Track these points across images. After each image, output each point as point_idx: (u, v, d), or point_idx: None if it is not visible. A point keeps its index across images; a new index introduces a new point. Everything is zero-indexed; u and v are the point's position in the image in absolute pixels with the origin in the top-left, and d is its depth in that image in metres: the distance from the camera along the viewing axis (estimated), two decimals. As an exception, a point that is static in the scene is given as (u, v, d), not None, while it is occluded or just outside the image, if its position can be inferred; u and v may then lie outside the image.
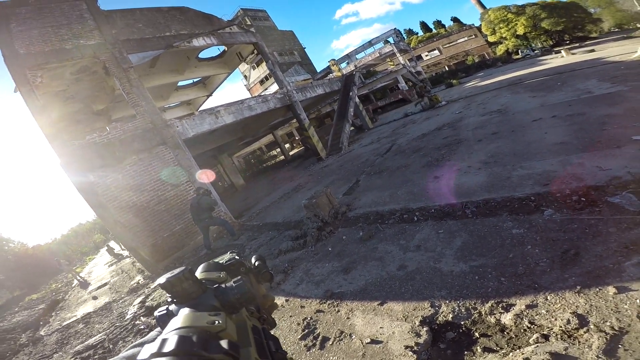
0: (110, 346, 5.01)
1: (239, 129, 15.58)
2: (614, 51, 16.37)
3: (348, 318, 2.86)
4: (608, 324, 1.76)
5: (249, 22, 38.79)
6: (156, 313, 0.58)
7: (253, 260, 0.86)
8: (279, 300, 3.75)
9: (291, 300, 3.66)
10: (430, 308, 2.53)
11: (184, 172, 9.18)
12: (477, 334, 2.12)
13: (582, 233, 2.60)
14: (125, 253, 17.46)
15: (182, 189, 9.16)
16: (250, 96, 37.33)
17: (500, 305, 2.24)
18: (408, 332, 2.37)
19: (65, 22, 8.35)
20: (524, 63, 28.26)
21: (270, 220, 8.15)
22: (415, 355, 2.12)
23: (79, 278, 15.11)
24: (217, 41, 11.60)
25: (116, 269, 13.70)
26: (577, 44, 35.58)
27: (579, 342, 1.74)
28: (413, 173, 6.42)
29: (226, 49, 14.90)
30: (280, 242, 5.90)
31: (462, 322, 2.25)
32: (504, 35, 44.81)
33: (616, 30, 47.46)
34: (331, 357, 2.46)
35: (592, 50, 20.62)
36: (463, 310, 2.36)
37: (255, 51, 13.98)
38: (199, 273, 0.68)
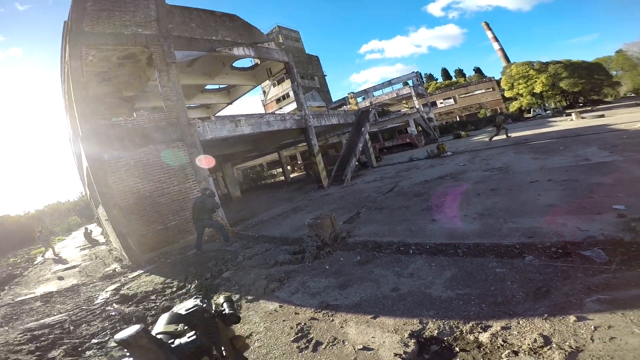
0: (71, 328, 4.80)
1: (251, 142, 16.13)
2: (622, 118, 17.23)
3: (342, 327, 3.07)
4: (567, 343, 2.15)
5: (281, 40, 40.61)
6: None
7: (221, 300, 0.92)
8: (273, 306, 3.92)
9: (285, 307, 3.82)
10: (418, 324, 2.82)
11: (187, 156, 9.45)
12: (457, 349, 2.43)
13: (554, 276, 3.07)
14: (102, 240, 17.25)
15: (187, 187, 9.43)
16: (265, 112, 38.39)
17: (479, 326, 2.60)
18: (397, 342, 2.63)
19: (132, 9, 8.98)
20: (534, 123, 29.19)
21: (267, 234, 8.34)
22: None
23: (54, 255, 14.81)
24: (255, 54, 12.36)
25: (89, 253, 13.53)
26: (590, 107, 35.78)
27: (543, 357, 2.10)
28: (413, 214, 6.78)
29: (259, 62, 15.72)
30: (276, 254, 6.09)
31: (446, 338, 2.56)
32: (520, 92, 44.74)
33: (632, 95, 48.67)
34: (323, 359, 2.65)
35: (602, 116, 20.88)
36: (447, 328, 2.68)
37: (285, 70, 14.80)
38: (158, 327, 0.73)
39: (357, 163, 17.25)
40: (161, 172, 9.01)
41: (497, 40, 74.66)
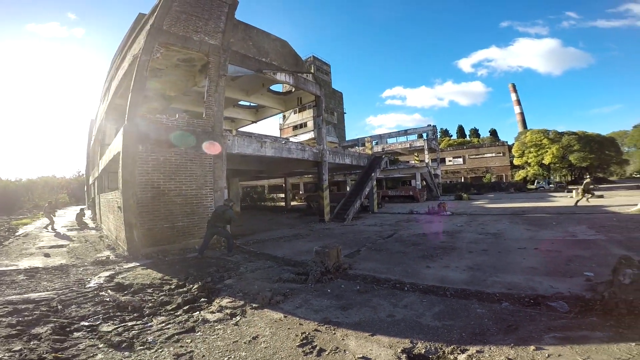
0: (60, 307, 4.65)
1: (265, 163, 16.91)
2: (619, 200, 18.15)
3: (343, 339, 3.51)
4: None
5: (312, 70, 42.63)
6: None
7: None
8: (277, 315, 4.27)
9: (290, 318, 4.19)
10: (409, 343, 3.34)
11: (211, 165, 10.00)
12: None
13: (524, 318, 3.79)
14: (92, 224, 17.27)
15: (203, 193, 9.97)
16: (281, 135, 39.53)
17: (458, 349, 3.17)
18: (392, 355, 3.11)
19: (206, 16, 9.97)
20: (535, 195, 29.73)
21: (269, 252, 8.74)
22: None
23: (52, 229, 14.84)
24: (293, 82, 13.40)
25: (77, 235, 13.41)
26: (593, 186, 35.81)
27: None
28: (409, 259, 7.31)
29: (292, 90, 16.81)
30: (280, 272, 6.50)
31: (431, 356, 3.09)
32: (529, 161, 44.19)
33: (637, 175, 47.83)
34: None
35: (601, 196, 21.06)
36: (432, 348, 3.21)
37: (315, 103, 15.80)
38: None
39: (360, 206, 17.85)
40: (184, 174, 9.59)
41: (519, 103, 76.74)
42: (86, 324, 4.09)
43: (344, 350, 3.26)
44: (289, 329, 3.87)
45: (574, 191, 24.73)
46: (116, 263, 7.86)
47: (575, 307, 3.94)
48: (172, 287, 5.73)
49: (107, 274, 6.79)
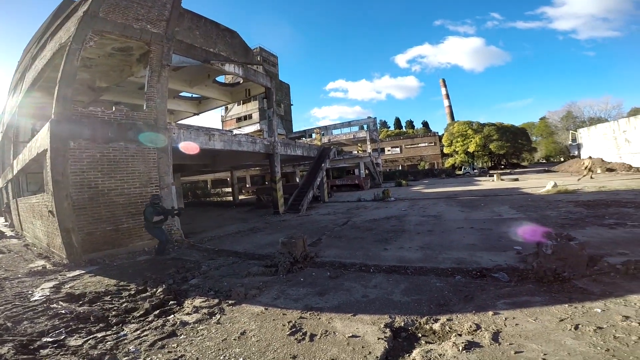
0: (9, 324, 4.21)
1: (211, 157, 16.17)
2: (531, 183, 21.32)
3: (329, 322, 3.75)
4: (491, 328, 3.29)
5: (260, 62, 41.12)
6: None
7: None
8: (258, 309, 4.30)
9: (271, 309, 4.26)
10: (389, 318, 3.72)
11: (155, 160, 9.41)
12: (419, 334, 3.41)
13: (475, 288, 4.43)
14: (9, 232, 14.89)
15: (148, 191, 9.30)
16: (223, 128, 37.88)
17: (431, 319, 3.63)
18: (377, 330, 3.45)
19: (149, 4, 9.13)
20: (463, 180, 33.42)
21: (228, 249, 8.60)
22: (385, 343, 3.19)
23: None
24: (243, 73, 12.93)
25: None
26: (509, 170, 41.47)
27: (477, 336, 3.19)
28: (367, 244, 7.89)
29: (241, 81, 16.21)
30: (246, 266, 6.48)
31: (410, 328, 3.51)
32: (457, 149, 49.75)
33: (543, 161, 56.44)
34: (322, 347, 3.24)
35: (517, 179, 25.63)
36: (410, 321, 3.64)
37: (265, 95, 15.53)
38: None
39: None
40: (125, 172, 8.81)
41: (448, 97, 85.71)
42: (49, 339, 3.71)
43: (334, 332, 3.51)
44: (274, 320, 3.96)
45: (494, 175, 28.84)
46: (57, 272, 7.09)
47: (514, 277, 4.70)
48: (132, 292, 5.38)
49: (50, 284, 6.11)
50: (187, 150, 9.48)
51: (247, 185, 37.48)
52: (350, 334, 3.42)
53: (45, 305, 4.92)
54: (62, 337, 3.77)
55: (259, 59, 42.41)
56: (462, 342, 3.02)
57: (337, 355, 3.05)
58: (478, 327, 3.33)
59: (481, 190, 19.76)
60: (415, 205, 15.28)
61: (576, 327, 3.10)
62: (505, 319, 3.46)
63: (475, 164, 51.45)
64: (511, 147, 48.97)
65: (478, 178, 34.54)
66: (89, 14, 7.97)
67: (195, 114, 19.66)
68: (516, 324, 3.32)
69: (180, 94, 17.55)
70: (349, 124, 39.41)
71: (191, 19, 10.67)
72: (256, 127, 38.02)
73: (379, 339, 3.27)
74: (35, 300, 5.19)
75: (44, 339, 3.72)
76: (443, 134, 56.52)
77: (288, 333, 3.57)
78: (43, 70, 10.29)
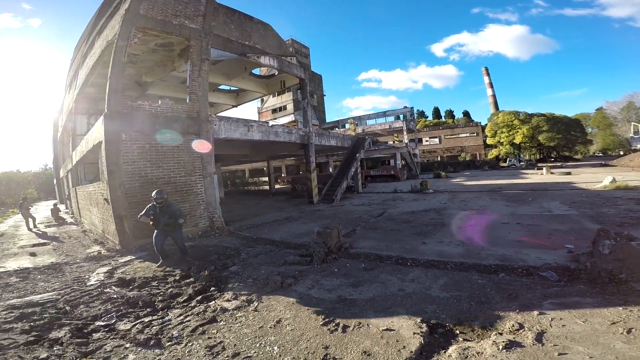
0: (68, 308, 4.51)
1: (250, 147, 16.64)
2: (585, 177, 19.55)
3: (363, 314, 3.73)
4: (535, 328, 3.14)
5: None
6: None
7: None
8: (292, 299, 4.39)
9: (305, 299, 4.33)
10: (425, 313, 3.61)
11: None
12: (457, 331, 3.27)
13: (520, 287, 4.18)
14: (69, 219, 16.44)
15: (192, 179, 9.76)
16: (259, 119, 38.85)
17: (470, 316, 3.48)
18: (413, 325, 3.36)
19: (186, 0, 9.51)
20: (508, 172, 31.35)
21: (266, 237, 8.80)
22: (421, 338, 3.11)
23: (33, 227, 13.94)
24: (278, 65, 13.12)
25: (58, 231, 12.79)
26: (560, 163, 38.40)
27: (519, 335, 3.04)
28: (405, 236, 7.67)
29: (276, 73, 16.45)
30: (282, 255, 6.64)
31: (447, 324, 3.38)
32: (501, 140, 46.87)
33: (599, 154, 51.95)
34: (354, 338, 3.23)
35: (569, 173, 23.39)
36: (447, 317, 3.50)
37: (299, 86, 15.63)
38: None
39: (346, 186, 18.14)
40: (172, 161, 9.30)
41: (492, 86, 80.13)
42: (102, 323, 4.02)
43: (367, 325, 3.47)
44: (308, 309, 4.01)
45: (543, 168, 26.60)
46: (110, 258, 7.63)
47: (564, 277, 4.37)
48: (177, 278, 5.67)
49: (104, 269, 6.60)
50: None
51: (283, 175, 38.19)
52: (385, 327, 3.36)
53: (99, 289, 5.27)
54: (113, 321, 4.08)
55: (291, 50, 42.68)
56: (503, 341, 2.88)
57: (370, 348, 3.02)
58: (521, 326, 3.17)
59: (529, 184, 18.33)
60: (455, 198, 14.57)
61: (629, 331, 2.87)
62: (552, 319, 3.27)
63: (522, 155, 47.61)
64: (563, 138, 45.16)
65: (525, 171, 32.07)
66: (130, 12, 8.40)
67: (234, 106, 20.30)
68: (563, 325, 3.14)
69: (219, 87, 18.15)
70: (384, 114, 38.25)
71: (225, 13, 10.91)
72: (290, 117, 38.39)
73: (414, 333, 3.19)
74: (91, 285, 5.57)
75: (97, 323, 4.03)
76: (486, 124, 53.02)
77: (321, 323, 3.60)
78: (94, 67, 11.07)
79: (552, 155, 49.70)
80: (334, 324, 3.56)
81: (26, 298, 5.05)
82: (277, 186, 32.22)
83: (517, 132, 45.75)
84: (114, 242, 8.66)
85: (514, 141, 46.55)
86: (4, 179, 42.03)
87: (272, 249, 7.44)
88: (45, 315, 4.25)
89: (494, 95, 79.69)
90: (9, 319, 4.17)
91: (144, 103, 8.89)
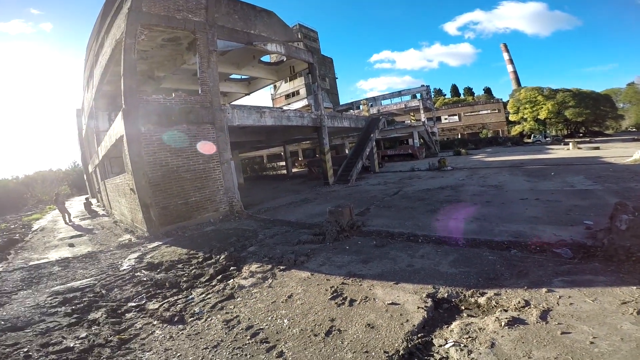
0: (104, 292, 4.93)
1: (264, 133, 16.87)
2: (615, 152, 18.38)
3: (370, 289, 3.89)
4: (541, 305, 3.08)
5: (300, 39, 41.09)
6: None
7: None
8: (305, 274, 4.62)
9: (316, 275, 4.57)
10: (432, 289, 3.69)
11: (215, 138, 10.11)
12: (462, 307, 3.33)
13: (532, 264, 4.09)
14: (101, 212, 17.47)
15: (210, 166, 10.12)
16: (273, 106, 39.04)
17: (477, 292, 3.50)
18: (418, 300, 3.48)
19: None
20: (532, 148, 30.10)
21: (282, 218, 9.11)
22: (425, 312, 3.22)
23: (69, 221, 14.95)
24: (285, 51, 13.14)
25: (92, 223, 13.56)
26: (588, 139, 36.42)
27: (524, 312, 3.02)
28: (418, 214, 7.70)
29: (284, 59, 16.46)
30: (297, 235, 6.88)
31: (453, 300, 3.45)
32: (525, 116, 45.01)
33: (632, 129, 49.30)
34: (360, 312, 3.40)
35: (597, 148, 22.04)
36: (454, 293, 3.56)
37: (308, 70, 15.61)
38: None
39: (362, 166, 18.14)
40: (190, 150, 9.67)
41: (512, 62, 76.06)
42: (133, 304, 4.41)
43: (373, 299, 3.64)
44: (318, 285, 4.24)
45: (570, 143, 25.23)
46: (140, 244, 8.16)
47: (578, 254, 4.21)
48: (200, 260, 6.08)
49: (135, 255, 7.11)
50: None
51: (300, 159, 38.52)
52: (390, 302, 3.51)
53: (131, 274, 5.69)
54: (143, 301, 4.47)
55: (298, 35, 42.04)
56: (506, 318, 2.89)
57: (374, 320, 3.18)
58: (527, 303, 3.13)
59: (553, 159, 17.52)
60: (474, 174, 14.24)
61: (639, 312, 2.77)
62: (560, 297, 3.21)
63: (548, 131, 45.28)
64: (591, 114, 42.43)
65: (550, 146, 30.37)
66: (133, 10, 8.61)
67: (246, 94, 20.48)
68: (570, 304, 3.07)
69: (230, 77, 18.35)
70: (399, 93, 37.02)
71: (227, 4, 10.95)
72: (304, 102, 38.17)
73: (418, 307, 3.30)
74: (123, 270, 6.01)
75: (129, 304, 4.44)
76: (508, 101, 50.59)
77: (329, 297, 3.81)
78: (107, 66, 11.49)
79: (580, 131, 46.82)
80: (341, 298, 3.75)
81: (68, 284, 5.54)
82: (294, 170, 32.59)
83: (542, 108, 43.44)
84: (142, 229, 9.22)
85: (539, 117, 44.25)
86: (39, 178, 44.81)
87: (288, 229, 7.71)
88: (84, 299, 4.70)
89: (515, 72, 75.67)
90: (54, 304, 4.65)
91: (158, 97, 9.20)
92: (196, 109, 9.70)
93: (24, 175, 45.77)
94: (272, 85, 43.28)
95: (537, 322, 2.83)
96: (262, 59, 16.18)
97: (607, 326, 2.64)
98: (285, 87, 42.33)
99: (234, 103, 20.47)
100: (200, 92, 9.96)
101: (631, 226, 3.97)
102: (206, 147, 10.10)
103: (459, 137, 49.78)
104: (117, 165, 15.00)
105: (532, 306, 3.09)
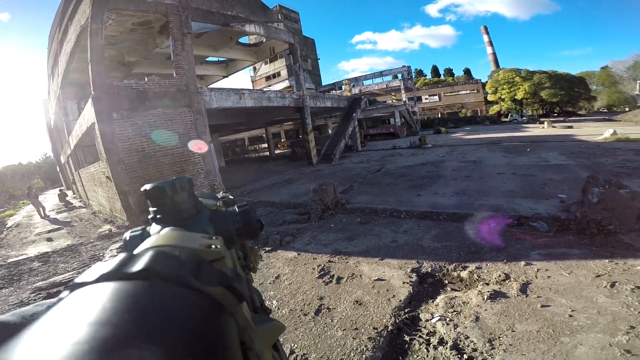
0: None
1: (244, 115, 16.47)
2: (587, 131, 19.10)
3: (356, 266, 3.98)
4: (520, 279, 3.19)
5: (280, 19, 39.79)
6: (127, 234, 0.45)
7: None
8: (291, 254, 4.68)
9: (303, 254, 4.61)
10: (416, 264, 3.80)
11: (192, 122, 9.80)
12: (446, 281, 3.43)
13: (510, 237, 4.25)
14: (78, 203, 16.76)
15: (189, 150, 9.82)
16: (253, 88, 38.00)
17: (460, 266, 3.63)
18: (403, 275, 3.58)
19: None
20: (509, 127, 31.20)
21: (266, 200, 9.08)
22: (410, 287, 3.32)
23: (44, 215, 14.27)
24: (264, 32, 12.68)
25: (69, 216, 13.07)
26: (562, 118, 38.30)
27: (505, 286, 3.13)
28: (400, 190, 7.87)
29: (264, 40, 15.91)
30: (282, 215, 6.89)
31: (437, 274, 3.55)
32: (502, 97, 46.98)
33: (604, 110, 52.30)
34: (347, 289, 3.47)
35: (571, 127, 23.28)
36: (437, 267, 3.68)
37: (289, 51, 15.18)
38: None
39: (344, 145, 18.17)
40: (167, 134, 9.32)
41: (491, 45, 78.02)
42: None
43: (360, 276, 3.73)
44: (305, 264, 4.28)
45: (545, 122, 26.55)
46: (121, 234, 7.94)
47: (554, 227, 4.38)
48: (184, 246, 6.03)
49: (116, 245, 6.95)
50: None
51: (282, 140, 38.10)
52: (376, 278, 3.60)
53: None
54: None
55: (279, 16, 40.82)
56: (488, 292, 2.98)
57: (362, 297, 3.26)
58: (507, 277, 3.25)
59: (528, 137, 18.15)
60: (454, 151, 14.58)
61: (612, 285, 2.89)
62: (537, 270, 3.33)
63: (525, 111, 47.44)
64: (566, 95, 44.96)
65: (526, 125, 31.75)
66: None
67: (224, 77, 19.78)
68: (548, 277, 3.19)
69: (207, 59, 17.59)
70: (380, 74, 37.17)
71: None
72: (285, 84, 37.41)
73: (404, 283, 3.40)
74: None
75: None
76: (486, 82, 52.25)
77: (317, 276, 3.86)
78: (73, 53, 10.72)
79: (555, 111, 49.26)
80: (328, 277, 3.82)
81: (50, 279, 5.37)
82: (277, 151, 32.27)
83: (519, 88, 45.64)
84: (122, 218, 8.96)
85: (516, 97, 46.44)
86: (8, 173, 42.46)
87: (272, 210, 7.70)
88: (68, 294, 4.62)
89: (494, 54, 77.68)
90: (38, 300, 4.50)
91: (130, 82, 8.73)
92: (171, 92, 9.28)
93: (-8, 171, 43.21)
94: (251, 68, 41.96)
95: (517, 296, 2.93)
96: (240, 40, 15.54)
97: (584, 299, 2.76)
98: (266, 68, 41.08)
99: (211, 86, 19.74)
100: (175, 76, 9.52)
101: (602, 199, 4.06)
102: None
103: (439, 116, 51.11)
104: (91, 154, 14.31)
105: (512, 279, 3.20)
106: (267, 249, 5.07)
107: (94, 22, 7.91)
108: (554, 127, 24.58)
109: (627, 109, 41.81)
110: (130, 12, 8.83)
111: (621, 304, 2.62)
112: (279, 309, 3.30)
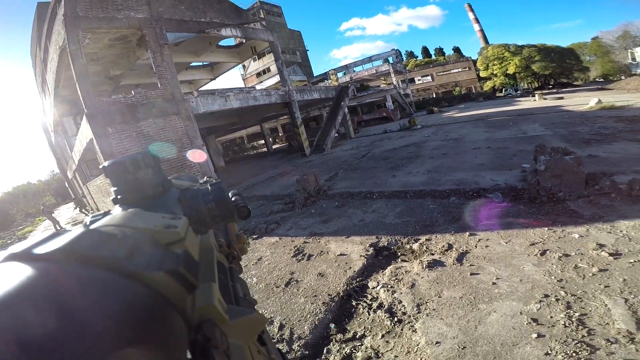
0: None
1: (236, 115, 16.97)
2: (576, 101, 19.07)
3: (326, 244, 4.57)
4: (461, 248, 3.60)
5: (262, 15, 39.70)
6: (88, 219, 0.37)
7: (230, 195, 0.58)
8: (273, 239, 5.29)
9: (284, 238, 5.21)
10: (375, 239, 4.35)
11: (183, 128, 10.33)
12: (399, 253, 3.93)
13: (466, 209, 4.68)
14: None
15: (183, 155, 10.42)
16: (245, 86, 38.24)
17: (412, 239, 4.13)
18: (362, 250, 4.14)
19: None
20: (502, 101, 31.20)
21: (259, 194, 9.66)
22: (365, 260, 3.85)
23: (60, 227, 15.19)
24: (242, 34, 13.08)
25: None
26: (556, 90, 38.68)
27: (445, 255, 3.54)
28: (379, 172, 8.43)
29: (244, 41, 16.25)
30: (271, 206, 7.50)
31: (392, 247, 4.07)
32: (495, 72, 47.07)
33: (600, 80, 52.03)
34: (315, 264, 4.05)
35: (561, 98, 23.35)
36: (393, 241, 4.21)
37: (270, 48, 15.53)
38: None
39: (336, 134, 18.61)
40: (161, 142, 9.91)
41: (478, 22, 76.96)
42: None
43: (327, 252, 4.32)
44: (284, 247, 4.89)
45: (536, 95, 26.55)
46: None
47: (508, 197, 4.66)
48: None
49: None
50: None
51: (280, 134, 38.54)
52: (339, 253, 4.18)
53: None
54: None
55: (261, 12, 40.71)
56: (427, 261, 3.38)
57: (325, 270, 3.83)
58: (450, 247, 3.63)
59: (517, 110, 18.34)
60: (440, 130, 14.98)
61: (543, 253, 3.04)
62: (479, 240, 3.62)
63: (519, 85, 47.10)
64: (557, 67, 44.99)
65: (519, 99, 31.63)
66: (69, 16, 8.35)
67: (212, 79, 20.22)
68: (486, 246, 3.46)
69: (192, 65, 18.01)
70: (369, 59, 36.97)
71: None
72: (276, 79, 37.48)
73: (361, 256, 3.95)
74: None
75: None
76: (477, 59, 51.84)
77: (292, 255, 4.47)
78: (58, 72, 11.23)
79: (550, 83, 49.03)
80: (301, 255, 4.42)
81: None
82: (275, 146, 32.78)
83: (509, 63, 45.74)
84: (129, 225, 9.66)
85: (508, 72, 46.40)
86: (20, 193, 43.77)
87: (263, 202, 8.31)
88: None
89: (482, 30, 76.49)
90: None
91: (118, 96, 9.29)
92: (159, 102, 9.83)
93: (2, 192, 44.67)
94: (241, 66, 42.12)
95: (453, 264, 3.25)
96: (220, 43, 15.93)
97: (512, 267, 2.92)
98: (255, 65, 41.16)
99: (202, 89, 20.21)
100: (159, 86, 10.05)
101: (549, 166, 4.23)
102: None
103: (434, 96, 50.98)
104: (95, 167, 15.05)
105: (453, 249, 3.56)
106: (254, 236, 5.67)
107: (71, 43, 8.38)
108: (545, 99, 24.55)
109: (622, 78, 41.68)
110: (104, 30, 9.30)
111: (545, 272, 2.76)
112: (257, 283, 3.92)
